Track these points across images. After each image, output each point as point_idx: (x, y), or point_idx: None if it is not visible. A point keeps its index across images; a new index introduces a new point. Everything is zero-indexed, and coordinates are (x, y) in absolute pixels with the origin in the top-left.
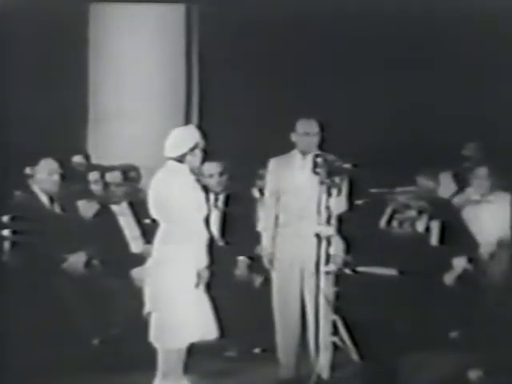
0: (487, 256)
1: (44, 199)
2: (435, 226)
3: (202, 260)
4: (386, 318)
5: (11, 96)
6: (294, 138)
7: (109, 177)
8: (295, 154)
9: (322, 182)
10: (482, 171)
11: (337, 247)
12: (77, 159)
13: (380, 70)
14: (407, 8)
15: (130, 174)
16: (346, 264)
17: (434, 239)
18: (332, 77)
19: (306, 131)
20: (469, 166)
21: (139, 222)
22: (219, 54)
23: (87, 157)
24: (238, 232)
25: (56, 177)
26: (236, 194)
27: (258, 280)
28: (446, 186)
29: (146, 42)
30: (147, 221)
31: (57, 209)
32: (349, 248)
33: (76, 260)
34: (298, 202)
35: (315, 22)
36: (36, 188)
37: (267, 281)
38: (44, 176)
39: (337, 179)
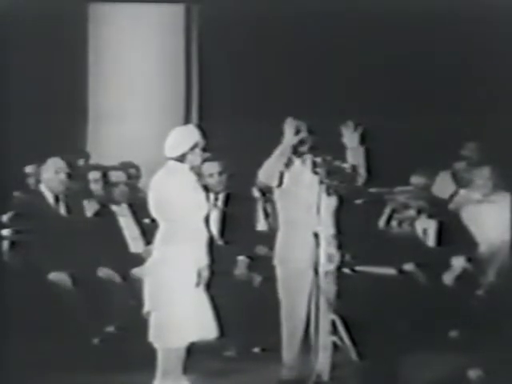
0: (487, 255)
1: (50, 198)
2: (433, 225)
3: (203, 259)
4: (385, 317)
5: (11, 96)
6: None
7: (111, 176)
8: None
9: (321, 182)
10: (486, 171)
11: (330, 245)
12: (77, 159)
13: (380, 69)
14: (407, 8)
15: (130, 172)
16: (345, 263)
17: (431, 239)
18: (332, 77)
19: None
20: (468, 165)
21: (139, 222)
22: (219, 54)
23: (87, 157)
24: (237, 232)
25: (62, 176)
26: (236, 193)
27: (257, 279)
28: (444, 185)
29: (146, 42)
30: (147, 220)
31: (62, 208)
32: (347, 247)
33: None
34: (302, 201)
35: (315, 22)
36: (42, 187)
37: (266, 280)
38: (50, 175)
39: (333, 179)
